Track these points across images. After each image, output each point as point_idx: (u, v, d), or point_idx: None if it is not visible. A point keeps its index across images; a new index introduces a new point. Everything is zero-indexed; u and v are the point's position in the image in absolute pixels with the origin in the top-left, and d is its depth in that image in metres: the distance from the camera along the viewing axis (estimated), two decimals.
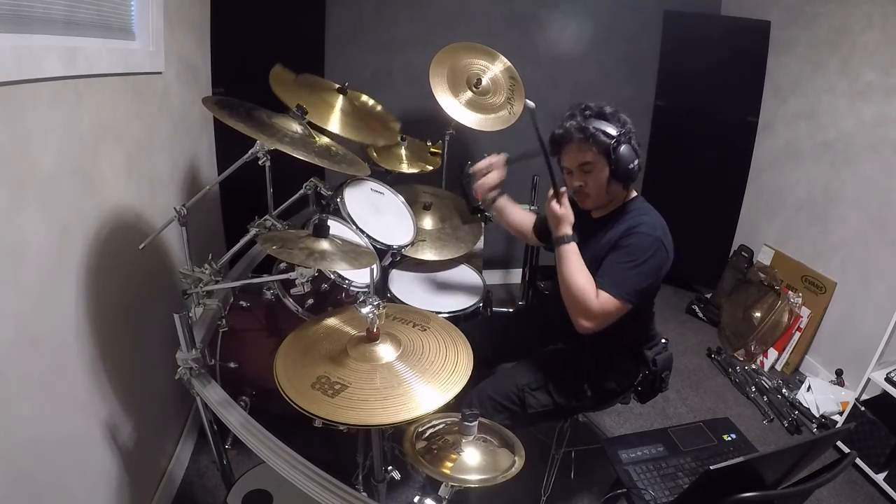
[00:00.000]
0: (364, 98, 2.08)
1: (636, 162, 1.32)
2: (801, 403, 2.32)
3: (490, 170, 1.63)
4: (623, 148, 1.30)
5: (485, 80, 2.13)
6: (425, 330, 1.23)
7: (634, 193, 1.44)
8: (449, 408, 1.05)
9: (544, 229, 1.71)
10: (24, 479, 0.97)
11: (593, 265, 1.38)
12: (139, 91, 1.48)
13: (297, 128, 1.38)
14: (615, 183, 1.35)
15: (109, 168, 1.30)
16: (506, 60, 2.21)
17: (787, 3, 2.74)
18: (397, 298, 1.76)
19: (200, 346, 1.17)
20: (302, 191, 1.65)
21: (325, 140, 1.50)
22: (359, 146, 2.12)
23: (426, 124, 2.23)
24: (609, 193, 1.40)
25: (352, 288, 1.53)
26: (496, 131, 2.09)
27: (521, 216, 1.78)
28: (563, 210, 1.35)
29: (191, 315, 1.27)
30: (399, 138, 2.11)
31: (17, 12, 0.98)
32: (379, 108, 2.10)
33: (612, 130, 1.30)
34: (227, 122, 1.22)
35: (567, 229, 1.35)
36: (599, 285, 1.30)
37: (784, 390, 2.42)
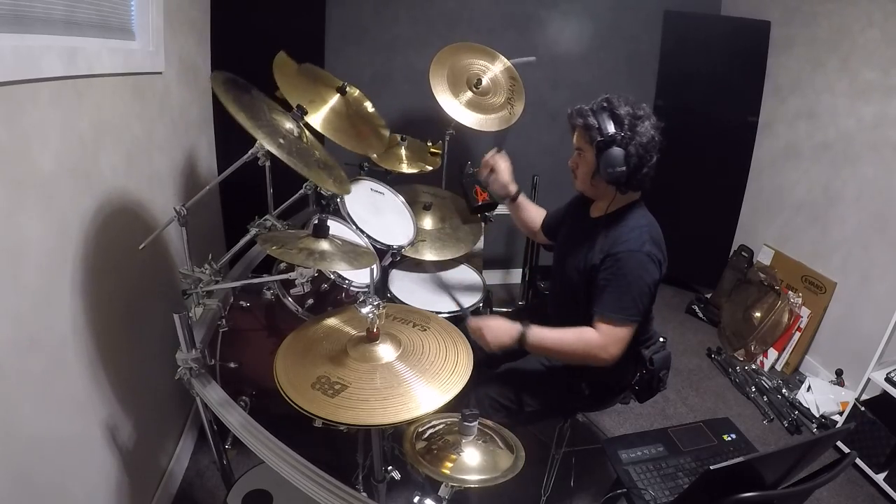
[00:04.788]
0: (360, 98, 2.06)
1: (623, 169, 1.28)
2: (801, 403, 2.32)
3: (494, 166, 1.66)
4: (613, 150, 1.28)
5: (485, 81, 2.13)
6: (425, 330, 1.23)
7: (636, 197, 1.42)
8: (449, 408, 1.05)
9: (551, 226, 1.72)
10: (23, 478, 0.97)
11: (585, 268, 1.38)
12: (139, 91, 1.48)
13: (292, 128, 1.36)
14: (599, 179, 1.34)
15: (109, 168, 1.30)
16: (506, 60, 2.21)
17: (787, 2, 2.74)
18: (397, 298, 1.76)
19: (200, 346, 1.17)
20: (302, 191, 1.65)
21: (318, 150, 1.46)
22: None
23: (426, 124, 2.23)
24: (595, 187, 1.39)
25: (352, 288, 1.53)
26: (496, 131, 2.09)
27: (535, 213, 1.78)
28: (487, 326, 1.34)
29: (191, 315, 1.27)
30: (399, 138, 2.11)
31: (17, 12, 0.98)
32: (371, 108, 2.03)
33: (611, 129, 1.28)
34: (229, 107, 1.14)
35: (512, 331, 1.33)
36: (602, 316, 1.30)
37: (784, 390, 2.42)
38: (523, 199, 1.74)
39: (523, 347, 1.35)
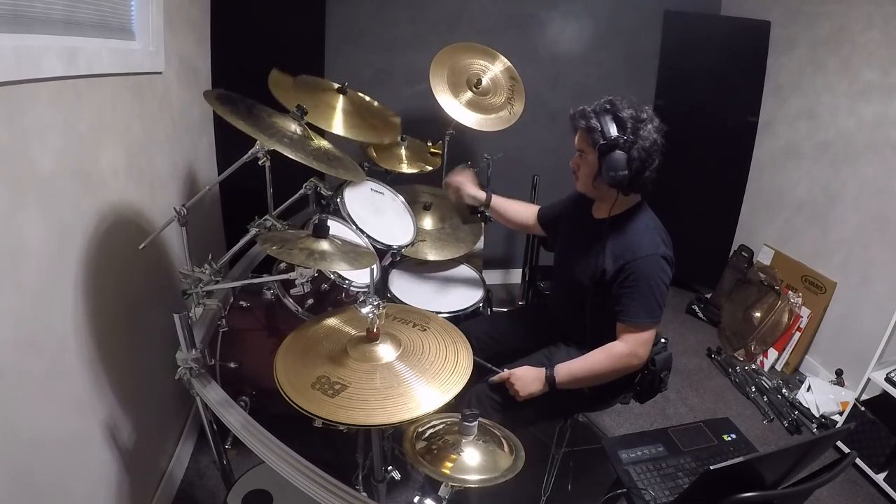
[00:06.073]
0: (362, 96, 2.08)
1: (625, 173, 1.27)
2: (801, 403, 2.32)
3: (454, 184, 1.77)
4: (615, 154, 1.27)
5: (485, 81, 2.13)
6: (425, 330, 1.23)
7: (638, 199, 1.42)
8: (449, 408, 1.05)
9: (549, 220, 1.72)
10: (23, 479, 0.97)
11: (595, 271, 1.38)
12: (139, 91, 1.48)
13: (295, 129, 1.37)
14: (601, 182, 1.34)
15: (109, 168, 1.30)
16: (506, 60, 2.21)
17: (787, 3, 2.74)
18: (397, 298, 1.76)
19: (200, 346, 1.17)
20: (302, 191, 1.65)
21: (323, 143, 1.49)
22: (359, 146, 2.13)
23: (426, 124, 2.23)
24: (597, 189, 1.39)
25: (352, 288, 1.53)
26: (496, 131, 2.09)
27: (519, 210, 1.79)
28: (516, 378, 1.38)
29: (191, 315, 1.27)
30: (399, 138, 2.12)
31: (17, 12, 0.98)
32: (376, 104, 2.10)
33: (613, 132, 1.27)
34: (228, 119, 1.20)
35: (539, 376, 1.38)
36: (630, 323, 1.32)
37: (784, 390, 2.42)
38: (498, 201, 1.78)
39: (554, 389, 1.38)
